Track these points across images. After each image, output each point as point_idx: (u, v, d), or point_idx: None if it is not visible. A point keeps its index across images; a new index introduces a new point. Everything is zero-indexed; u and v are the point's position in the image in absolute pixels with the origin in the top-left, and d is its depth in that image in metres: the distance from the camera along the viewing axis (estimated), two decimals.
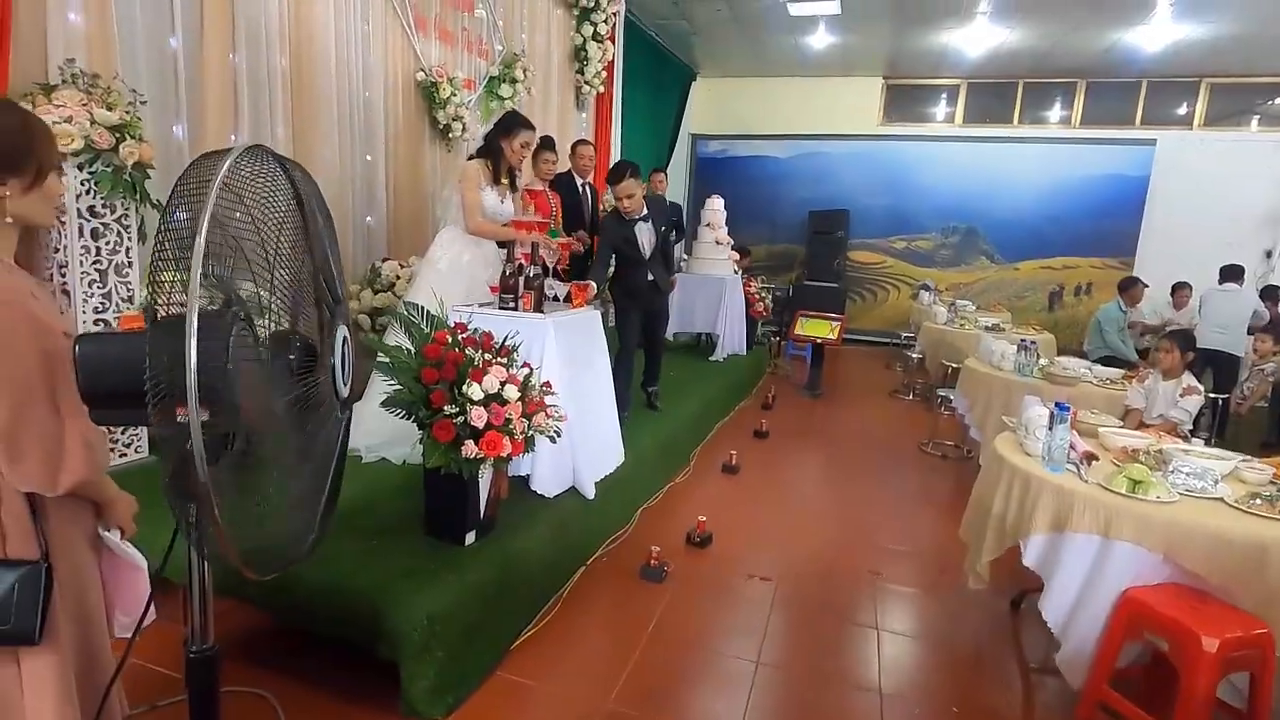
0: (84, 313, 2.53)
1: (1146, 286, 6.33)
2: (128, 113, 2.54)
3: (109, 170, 2.50)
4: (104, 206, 2.55)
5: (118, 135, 2.48)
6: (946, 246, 9.39)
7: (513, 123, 3.34)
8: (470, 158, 3.32)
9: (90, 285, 2.55)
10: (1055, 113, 8.99)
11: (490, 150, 3.30)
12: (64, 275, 2.51)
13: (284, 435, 1.07)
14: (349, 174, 3.97)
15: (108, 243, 2.58)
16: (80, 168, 2.45)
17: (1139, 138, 8.56)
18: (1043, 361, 4.07)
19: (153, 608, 1.29)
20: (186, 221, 1.07)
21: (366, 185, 4.13)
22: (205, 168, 1.01)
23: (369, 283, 3.85)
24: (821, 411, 5.95)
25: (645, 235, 3.82)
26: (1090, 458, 2.30)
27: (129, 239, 2.64)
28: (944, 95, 9.32)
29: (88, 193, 2.50)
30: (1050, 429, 2.29)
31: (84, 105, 2.42)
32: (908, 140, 9.35)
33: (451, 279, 3.14)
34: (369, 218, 4.17)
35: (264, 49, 3.35)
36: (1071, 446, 2.29)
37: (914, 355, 6.42)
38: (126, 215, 2.63)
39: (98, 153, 2.45)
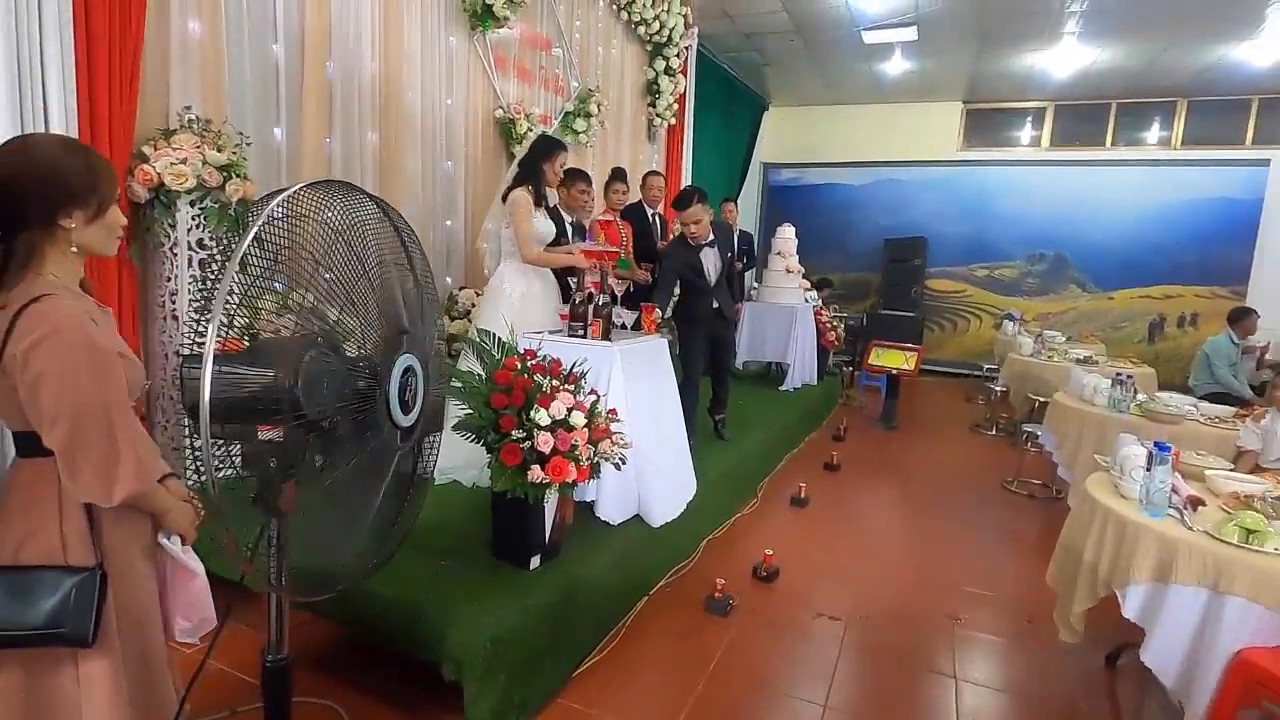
0: (190, 337, 2.73)
1: (1260, 317, 5.83)
2: (234, 153, 2.76)
3: (216, 206, 2.71)
4: (211, 239, 2.76)
5: (225, 174, 2.69)
6: (1033, 275, 8.95)
7: (553, 146, 3.42)
8: (512, 186, 3.33)
9: (198, 312, 2.75)
10: (1153, 134, 8.50)
11: (533, 174, 3.32)
12: (174, 302, 2.73)
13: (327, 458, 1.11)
14: (430, 207, 4.16)
15: (213, 272, 2.78)
16: (192, 204, 2.67)
17: (1251, 158, 7.97)
18: (1141, 397, 3.79)
19: (213, 613, 1.35)
20: (282, 252, 1.15)
21: (447, 215, 4.31)
22: (291, 202, 1.09)
23: (446, 310, 4.00)
24: (897, 445, 5.73)
25: (711, 261, 3.84)
26: (1196, 503, 2.12)
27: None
28: (1029, 119, 8.97)
29: (198, 226, 2.72)
30: (1148, 470, 2.12)
31: (197, 148, 2.64)
32: (990, 165, 9.03)
33: (525, 310, 3.19)
34: (448, 247, 4.35)
35: (356, 89, 3.58)
36: (1174, 490, 2.12)
37: (997, 388, 6.11)
38: (231, 247, 2.83)
39: (207, 190, 2.66)
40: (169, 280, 2.72)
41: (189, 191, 2.62)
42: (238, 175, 2.74)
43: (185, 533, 1.33)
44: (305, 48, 3.30)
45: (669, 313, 3.84)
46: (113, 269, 2.45)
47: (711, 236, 3.81)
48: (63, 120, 2.25)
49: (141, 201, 2.58)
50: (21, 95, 2.16)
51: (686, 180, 7.16)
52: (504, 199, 3.34)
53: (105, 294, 2.31)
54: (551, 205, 3.68)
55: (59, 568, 1.15)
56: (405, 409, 1.16)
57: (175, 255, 2.69)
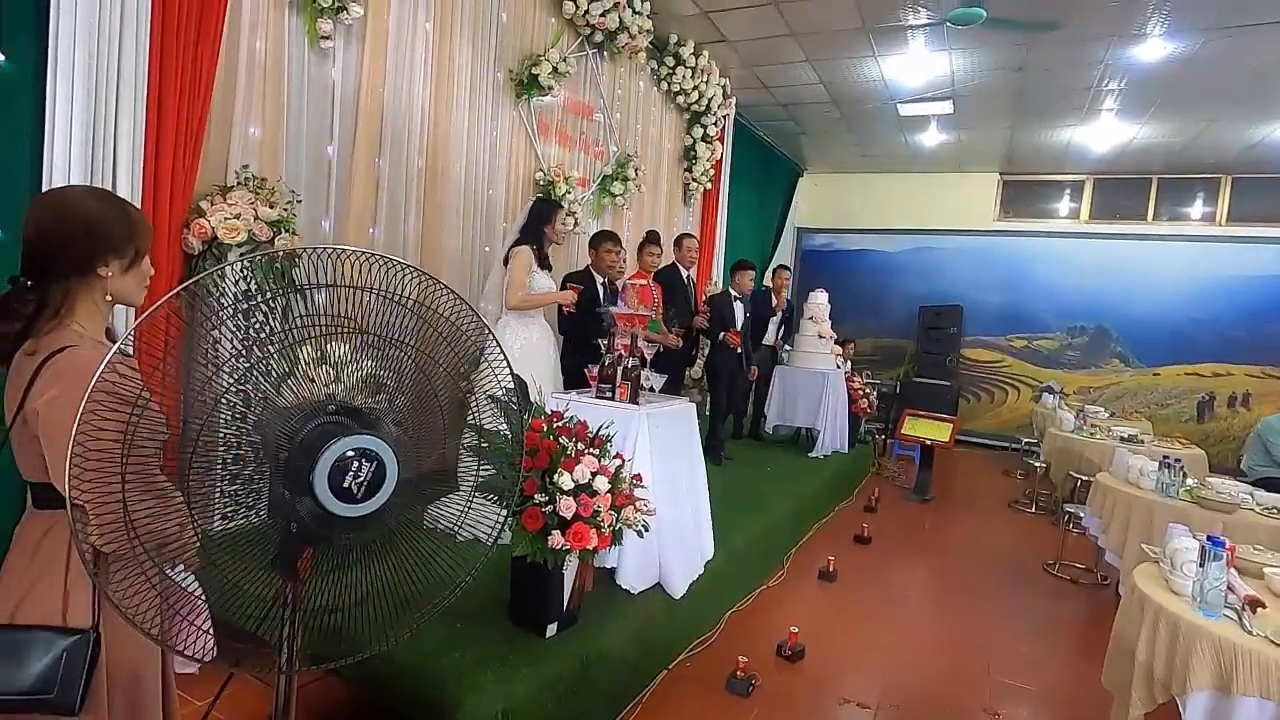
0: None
1: None
2: (285, 209, 2.88)
3: (264, 259, 2.81)
4: (257, 290, 2.85)
5: (275, 229, 2.80)
6: (1073, 347, 8.76)
7: (550, 209, 3.66)
8: (516, 244, 3.50)
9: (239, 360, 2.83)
10: (1196, 209, 8.37)
11: (535, 236, 3.53)
12: (217, 350, 2.81)
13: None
14: (469, 264, 4.26)
15: (256, 322, 2.87)
16: (242, 257, 2.77)
17: None
18: (1191, 482, 3.62)
19: (213, 647, 1.26)
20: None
21: (485, 274, 4.40)
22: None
23: (475, 364, 4.05)
24: (931, 519, 5.53)
25: (739, 310, 5.42)
26: (1255, 604, 1.98)
27: (275, 319, 2.93)
28: (1067, 191, 8.93)
29: (245, 278, 2.81)
30: (1201, 566, 2.00)
31: (251, 204, 2.76)
32: (1027, 236, 8.97)
33: (525, 362, 3.22)
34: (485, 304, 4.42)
35: (405, 152, 3.73)
36: (1230, 588, 1.99)
37: (1037, 464, 5.90)
38: (274, 298, 2.92)
39: (257, 244, 2.77)
40: (215, 330, 2.80)
41: (240, 245, 2.73)
42: (286, 230, 2.85)
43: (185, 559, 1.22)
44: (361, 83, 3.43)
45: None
46: (161, 318, 2.53)
47: (748, 296, 5.46)
48: (129, 177, 2.38)
49: (195, 254, 2.69)
50: (94, 158, 2.30)
51: (721, 242, 7.27)
52: (505, 261, 3.53)
53: (154, 341, 2.39)
54: (584, 267, 3.74)
55: (54, 629, 1.13)
56: (348, 497, 1.05)
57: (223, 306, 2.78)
